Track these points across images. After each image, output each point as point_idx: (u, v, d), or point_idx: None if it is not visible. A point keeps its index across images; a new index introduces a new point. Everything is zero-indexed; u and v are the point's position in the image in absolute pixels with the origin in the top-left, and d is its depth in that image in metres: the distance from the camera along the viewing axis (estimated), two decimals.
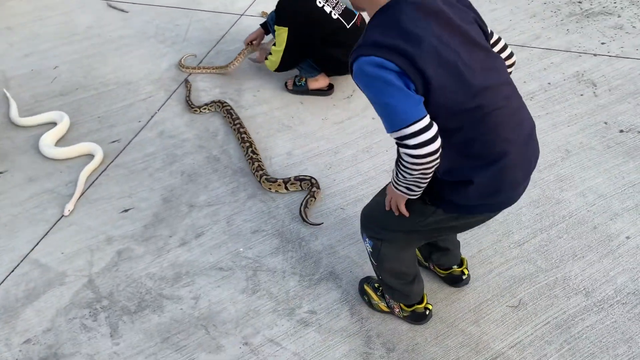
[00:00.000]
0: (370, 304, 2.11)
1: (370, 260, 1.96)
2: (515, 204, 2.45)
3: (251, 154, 2.79)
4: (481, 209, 1.62)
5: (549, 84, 3.21)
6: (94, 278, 2.30)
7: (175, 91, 3.33)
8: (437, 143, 1.41)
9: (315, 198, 2.56)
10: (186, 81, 3.37)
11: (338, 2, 3.01)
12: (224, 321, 2.11)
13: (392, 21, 1.43)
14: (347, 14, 3.02)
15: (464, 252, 2.26)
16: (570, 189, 2.55)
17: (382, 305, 2.07)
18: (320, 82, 3.23)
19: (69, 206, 2.55)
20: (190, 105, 3.15)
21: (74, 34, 3.92)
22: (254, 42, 3.33)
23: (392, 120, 1.41)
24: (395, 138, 1.43)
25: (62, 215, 2.56)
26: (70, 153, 2.89)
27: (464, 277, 2.15)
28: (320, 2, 2.94)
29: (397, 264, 1.89)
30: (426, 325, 2.05)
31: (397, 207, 1.68)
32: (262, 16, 3.92)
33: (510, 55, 1.69)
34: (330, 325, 2.08)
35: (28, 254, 2.42)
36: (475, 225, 1.77)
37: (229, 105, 3.12)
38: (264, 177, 2.65)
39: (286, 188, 2.62)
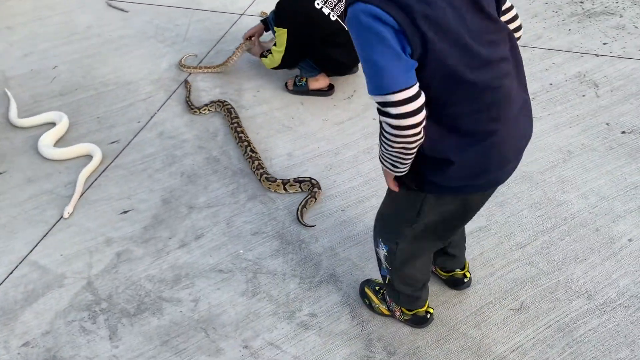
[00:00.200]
0: (370, 306, 2.09)
1: (383, 266, 1.89)
2: (517, 206, 2.47)
3: (250, 153, 2.78)
4: (470, 188, 1.54)
5: (551, 84, 3.19)
6: (93, 280, 2.29)
7: (175, 91, 3.32)
8: (421, 116, 1.29)
9: (315, 199, 2.55)
10: (186, 82, 3.35)
11: (337, 3, 2.99)
12: (223, 324, 2.10)
13: None
14: None
15: (466, 254, 2.24)
16: (572, 190, 2.54)
17: (383, 309, 2.05)
18: (320, 82, 3.21)
19: (69, 208, 2.54)
20: (190, 106, 3.14)
21: (73, 33, 3.91)
22: (252, 38, 3.32)
23: (378, 83, 1.27)
24: (377, 102, 1.30)
25: (62, 218, 2.54)
26: (69, 154, 2.87)
27: (465, 280, 2.14)
28: (318, 4, 2.93)
29: (412, 270, 1.84)
30: (427, 328, 2.04)
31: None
32: (261, 16, 3.90)
33: (518, 29, 1.56)
34: (330, 329, 2.06)
35: (27, 255, 2.40)
36: (475, 208, 1.69)
37: (229, 104, 3.11)
38: (264, 175, 2.65)
39: (285, 189, 2.61)
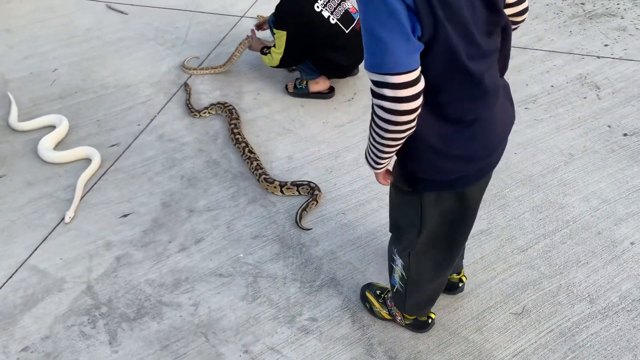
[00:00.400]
0: (371, 310, 2.08)
1: (396, 277, 1.85)
2: (519, 209, 2.46)
3: (248, 154, 2.78)
4: (462, 181, 1.50)
5: (552, 86, 3.18)
6: (93, 284, 2.28)
7: (175, 94, 3.31)
8: (418, 102, 1.22)
9: (317, 202, 2.54)
10: (186, 84, 3.34)
11: (337, 6, 2.98)
12: (223, 329, 2.09)
13: None
14: (346, 18, 3.00)
15: (466, 258, 2.24)
16: (574, 193, 2.53)
17: (384, 313, 2.04)
18: (320, 84, 3.21)
19: (70, 213, 2.53)
20: (191, 110, 3.13)
21: (73, 36, 3.90)
22: (256, 32, 3.33)
23: (378, 60, 1.18)
24: (373, 80, 1.22)
25: (63, 222, 2.53)
26: (69, 157, 2.86)
27: (460, 285, 2.12)
28: (318, 7, 2.92)
29: (427, 284, 1.82)
30: (428, 333, 2.03)
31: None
32: (257, 19, 3.89)
33: (523, 11, 1.47)
34: (331, 333, 2.05)
35: (26, 259, 2.39)
36: (474, 203, 1.64)
37: (231, 106, 3.11)
38: (263, 176, 2.65)
39: (281, 191, 2.61)
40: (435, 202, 1.55)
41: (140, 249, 2.41)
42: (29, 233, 2.51)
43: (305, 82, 3.21)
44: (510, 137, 2.84)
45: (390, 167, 1.59)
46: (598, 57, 3.39)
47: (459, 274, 2.11)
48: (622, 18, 3.75)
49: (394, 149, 1.38)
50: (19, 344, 2.08)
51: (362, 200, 2.56)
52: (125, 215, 2.57)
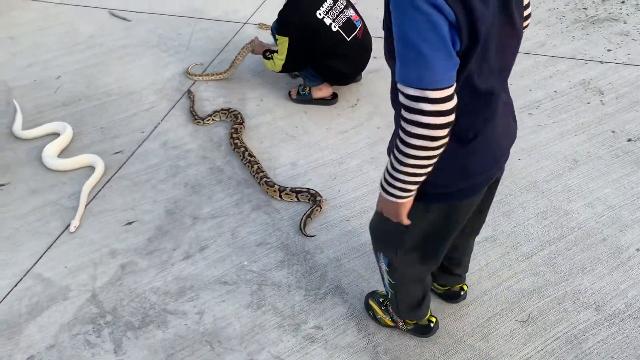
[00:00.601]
0: (375, 318, 2.08)
1: (385, 280, 1.85)
2: (523, 215, 2.45)
3: (249, 157, 2.80)
4: (455, 195, 1.47)
5: (555, 92, 3.18)
6: (98, 293, 2.28)
7: (178, 101, 3.31)
8: (453, 115, 1.18)
9: (321, 207, 2.54)
10: (189, 92, 3.35)
11: (339, 14, 2.99)
12: (228, 337, 2.09)
13: None
14: (348, 26, 3.00)
15: (472, 265, 2.22)
16: (579, 199, 2.52)
17: (387, 320, 2.04)
18: (324, 91, 3.21)
19: (75, 222, 2.53)
20: (195, 117, 3.13)
21: (76, 43, 3.91)
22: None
23: (418, 74, 1.13)
24: (409, 95, 1.16)
25: (68, 232, 2.52)
26: (72, 165, 2.87)
27: (462, 293, 2.12)
28: (320, 14, 2.93)
29: (413, 286, 1.82)
30: (434, 340, 2.02)
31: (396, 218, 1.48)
32: (259, 28, 3.90)
33: (528, 17, 1.46)
34: (336, 341, 2.05)
35: (31, 268, 2.39)
36: (461, 217, 1.58)
37: (236, 111, 3.13)
38: (264, 179, 2.67)
39: (280, 196, 2.62)
40: (423, 211, 1.51)
41: (145, 257, 2.41)
42: (34, 241, 2.51)
43: (308, 89, 3.22)
44: (514, 142, 2.84)
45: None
46: (601, 62, 3.39)
47: (460, 284, 2.11)
48: (625, 23, 3.75)
49: (425, 170, 1.28)
50: (24, 353, 2.08)
51: (366, 207, 2.56)
52: (129, 223, 2.57)
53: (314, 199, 2.57)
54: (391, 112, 1.41)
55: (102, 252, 2.44)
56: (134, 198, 2.70)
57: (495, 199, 2.51)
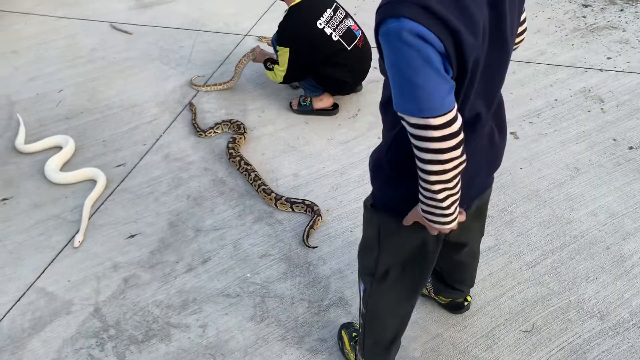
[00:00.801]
0: (342, 351, 2.02)
1: (360, 308, 1.75)
2: (526, 224, 2.45)
3: (245, 166, 2.82)
4: None
5: (556, 100, 3.19)
6: (101, 306, 2.28)
7: (180, 113, 3.33)
8: (462, 136, 1.18)
9: (321, 216, 2.54)
10: (190, 104, 3.36)
11: (339, 24, 3.01)
12: (232, 350, 2.08)
13: None
14: (348, 36, 3.02)
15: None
16: (581, 208, 2.52)
17: (352, 357, 1.97)
18: (324, 101, 3.22)
19: (79, 237, 2.53)
20: (197, 130, 3.14)
21: (78, 56, 3.93)
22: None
23: (418, 105, 1.13)
24: (414, 124, 1.16)
25: (72, 246, 2.52)
26: (74, 178, 2.88)
27: (465, 304, 2.10)
28: (321, 24, 2.94)
29: (385, 321, 1.70)
30: (438, 351, 2.01)
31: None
32: (259, 41, 3.92)
33: (523, 31, 1.45)
34: (340, 354, 2.04)
35: (34, 282, 2.40)
36: (434, 246, 1.52)
37: (239, 121, 3.15)
38: (262, 187, 2.70)
39: (275, 204, 2.63)
40: (395, 230, 1.47)
41: (148, 270, 2.41)
42: (37, 255, 2.51)
43: (309, 99, 3.23)
44: (515, 151, 2.85)
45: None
46: (601, 70, 3.39)
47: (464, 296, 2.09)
48: (624, 31, 3.76)
49: (456, 189, 1.26)
50: None
51: None
52: (132, 236, 2.57)
53: (311, 209, 2.57)
54: None
55: (105, 266, 2.44)
56: (137, 211, 2.70)
57: (497, 208, 2.53)
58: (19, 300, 2.32)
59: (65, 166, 2.98)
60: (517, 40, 1.44)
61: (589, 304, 2.13)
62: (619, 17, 3.92)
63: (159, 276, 2.38)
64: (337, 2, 3.08)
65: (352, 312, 2.17)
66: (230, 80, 3.47)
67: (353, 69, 3.14)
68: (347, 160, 2.91)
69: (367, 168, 2.79)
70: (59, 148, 3.08)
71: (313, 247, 2.44)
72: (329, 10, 2.99)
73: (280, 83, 3.16)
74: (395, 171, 1.38)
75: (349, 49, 3.02)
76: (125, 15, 4.43)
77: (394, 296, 1.64)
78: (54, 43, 4.12)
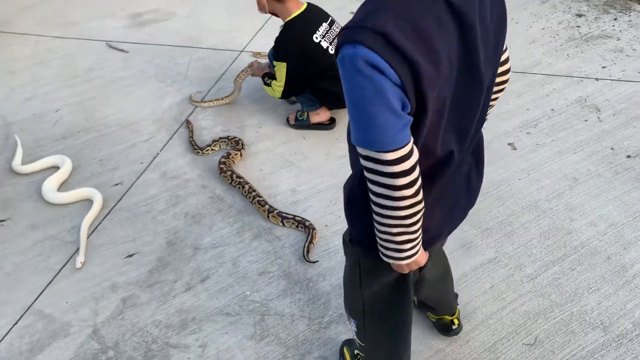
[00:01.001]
0: None
1: (356, 342, 1.72)
2: (526, 236, 2.44)
3: (237, 179, 2.83)
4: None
5: (552, 110, 3.19)
6: (99, 328, 2.26)
7: (177, 131, 3.32)
8: (416, 173, 1.13)
9: (315, 229, 2.54)
10: (187, 122, 3.36)
11: (336, 37, 3.02)
12: None
13: (410, 9, 1.04)
14: None
15: (477, 288, 2.21)
16: (581, 218, 2.51)
17: None
18: (321, 115, 3.22)
19: (80, 258, 2.51)
20: (195, 147, 3.14)
21: (75, 76, 3.94)
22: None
23: (369, 138, 1.09)
24: (364, 156, 1.13)
25: (74, 268, 2.49)
26: (70, 198, 2.86)
27: (453, 327, 2.05)
28: (317, 38, 2.96)
29: (389, 346, 1.65)
30: None
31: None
32: (254, 56, 3.93)
33: (507, 71, 1.41)
34: None
35: (32, 304, 2.37)
36: (410, 282, 1.50)
37: (236, 137, 3.16)
38: (257, 199, 2.71)
39: (267, 217, 2.65)
40: (374, 266, 1.42)
41: (146, 290, 2.39)
42: (35, 276, 2.49)
43: (306, 114, 3.23)
44: (513, 162, 2.84)
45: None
46: (597, 79, 3.40)
47: (452, 315, 2.05)
48: (619, 40, 3.78)
49: (414, 228, 1.21)
50: None
51: None
52: (130, 256, 2.56)
53: (302, 225, 2.56)
54: None
55: (103, 286, 2.42)
56: (135, 230, 2.69)
57: (496, 220, 2.52)
58: (16, 323, 2.30)
59: (63, 186, 2.97)
60: (499, 80, 1.39)
61: (592, 315, 2.12)
62: (613, 26, 3.94)
63: (158, 296, 2.36)
64: (332, 17, 3.09)
65: (354, 328, 2.15)
66: (231, 94, 3.47)
67: None
68: (345, 175, 2.86)
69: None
70: (56, 168, 3.07)
71: (314, 262, 2.42)
72: (325, 24, 3.01)
73: (279, 98, 3.16)
74: (368, 202, 1.28)
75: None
76: (121, 33, 4.44)
77: (387, 327, 1.61)
78: (50, 63, 4.13)
